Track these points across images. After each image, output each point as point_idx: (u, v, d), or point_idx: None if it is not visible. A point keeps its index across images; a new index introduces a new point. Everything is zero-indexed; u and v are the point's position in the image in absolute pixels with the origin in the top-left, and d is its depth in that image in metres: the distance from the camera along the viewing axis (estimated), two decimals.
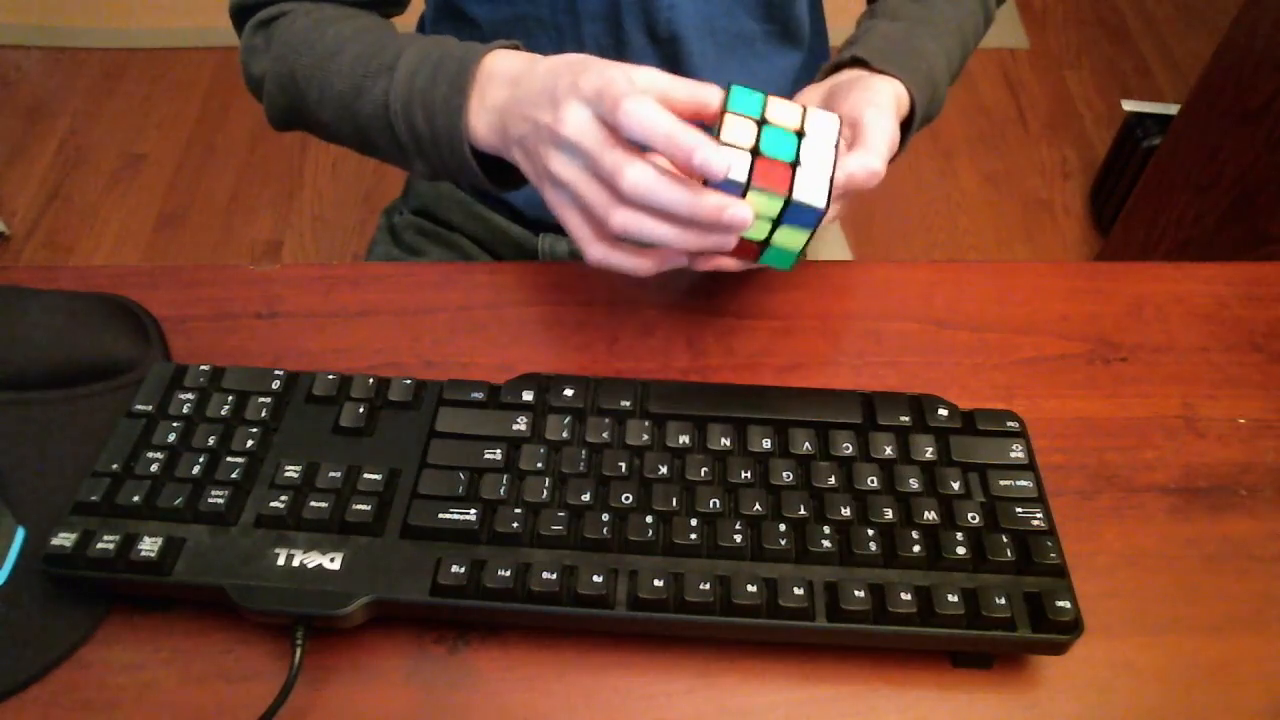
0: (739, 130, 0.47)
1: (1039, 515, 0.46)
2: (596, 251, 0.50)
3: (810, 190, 0.47)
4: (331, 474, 0.46)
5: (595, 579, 0.43)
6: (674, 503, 0.46)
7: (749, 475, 0.47)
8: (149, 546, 0.43)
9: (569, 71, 0.48)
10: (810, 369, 0.56)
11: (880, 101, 0.53)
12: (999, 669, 0.45)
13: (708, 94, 0.48)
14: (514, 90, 0.52)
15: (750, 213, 0.45)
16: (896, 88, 0.57)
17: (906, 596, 0.43)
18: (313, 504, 0.45)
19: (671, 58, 0.69)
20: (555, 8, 0.66)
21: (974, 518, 0.46)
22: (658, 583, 0.43)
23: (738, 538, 0.45)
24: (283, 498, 0.45)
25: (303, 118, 0.63)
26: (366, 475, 0.47)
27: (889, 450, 0.48)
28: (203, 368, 0.50)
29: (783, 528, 0.45)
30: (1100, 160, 1.75)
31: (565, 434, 0.48)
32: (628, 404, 0.50)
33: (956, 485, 0.47)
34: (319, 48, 0.59)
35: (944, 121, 1.83)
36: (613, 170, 0.46)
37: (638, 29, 0.67)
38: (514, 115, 0.51)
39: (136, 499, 0.45)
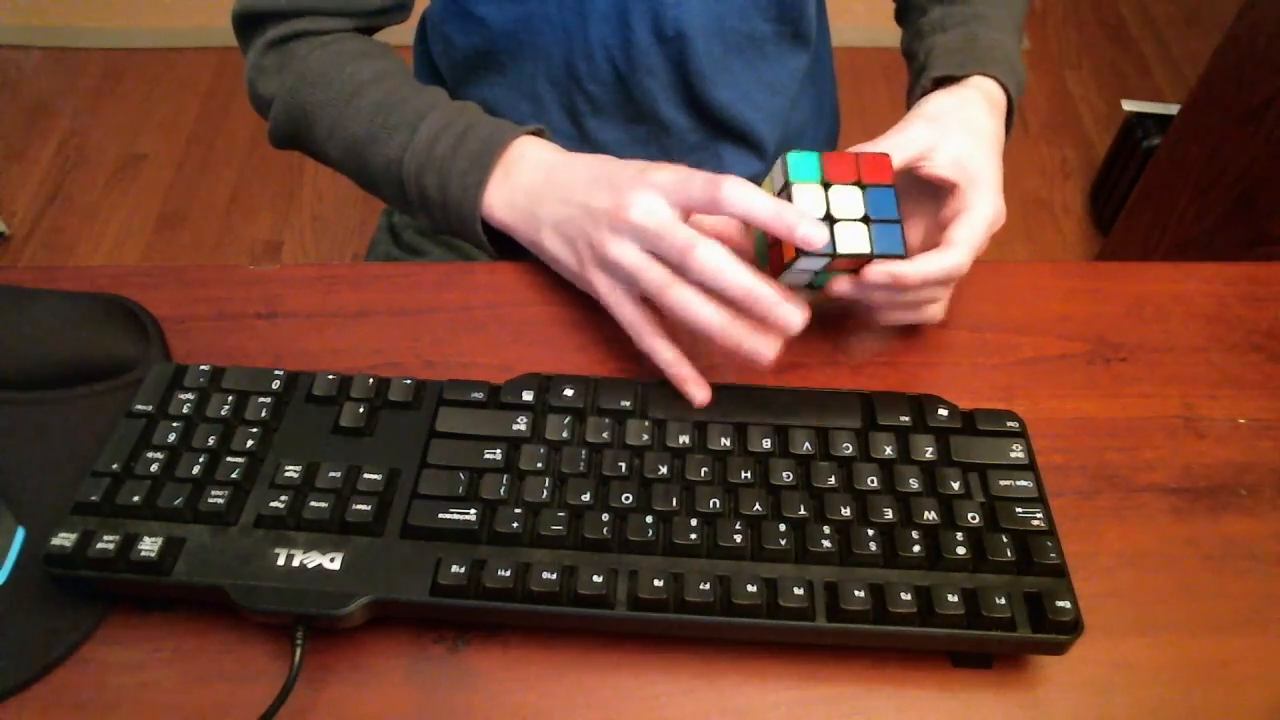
0: (809, 198, 0.48)
1: (1039, 515, 0.46)
2: (653, 342, 0.50)
3: (887, 240, 0.49)
4: (331, 474, 0.46)
5: (595, 579, 0.43)
6: (674, 503, 0.46)
7: (749, 475, 0.47)
8: (149, 546, 0.43)
9: (627, 166, 0.50)
10: (810, 369, 0.56)
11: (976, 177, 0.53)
12: (999, 669, 0.45)
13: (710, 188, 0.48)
14: (549, 176, 0.54)
15: (804, 317, 0.47)
16: (988, 86, 0.58)
17: (906, 596, 0.43)
18: (313, 504, 0.45)
19: (677, 56, 0.69)
20: (563, 6, 0.66)
21: (974, 518, 0.46)
22: (658, 583, 0.43)
23: (738, 538, 0.45)
24: (283, 498, 0.45)
25: (305, 146, 0.64)
26: (366, 475, 0.47)
27: (889, 450, 0.48)
28: (203, 368, 0.50)
29: (783, 528, 0.45)
30: (1100, 160, 1.75)
31: (565, 434, 0.48)
32: (628, 404, 0.50)
33: (956, 485, 0.47)
34: (336, 85, 0.59)
35: None
36: (685, 246, 0.47)
37: (645, 28, 0.67)
38: (550, 199, 0.53)
39: (136, 499, 0.45)
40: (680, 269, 0.47)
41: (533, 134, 0.57)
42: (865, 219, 0.48)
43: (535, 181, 0.55)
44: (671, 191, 0.48)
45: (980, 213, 0.52)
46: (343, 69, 0.60)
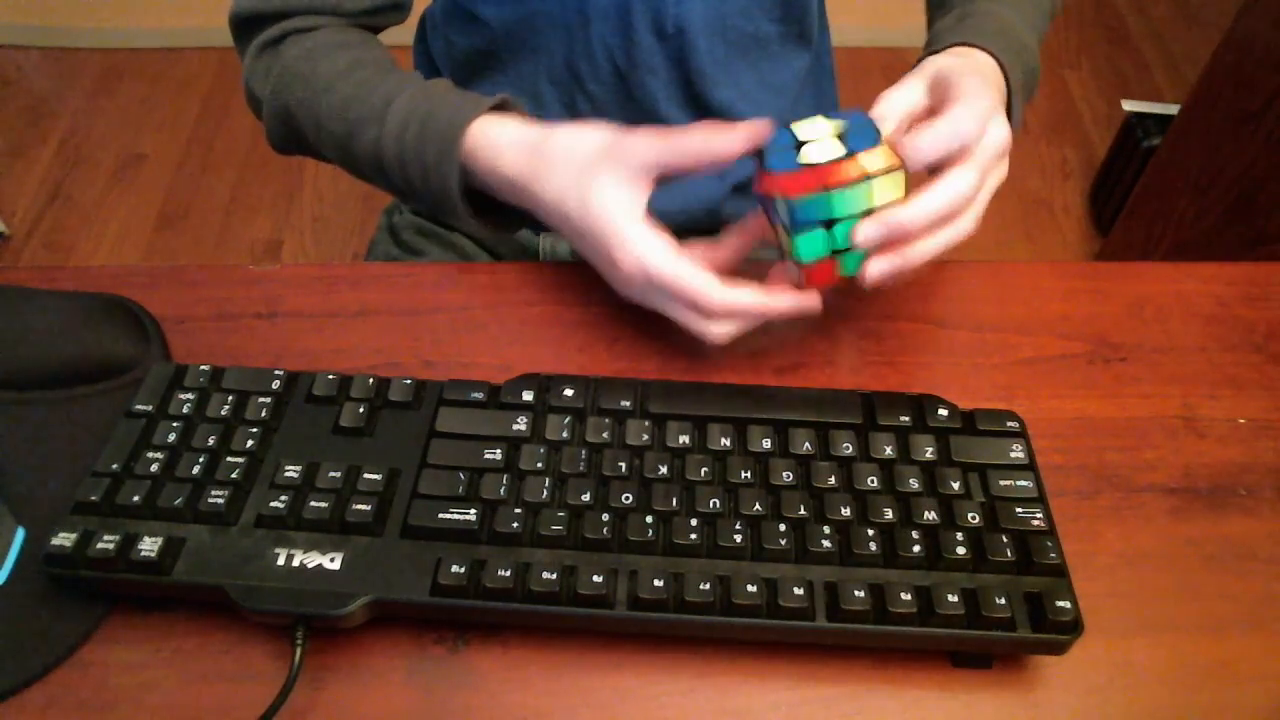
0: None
1: (1039, 515, 0.46)
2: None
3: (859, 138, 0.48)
4: (331, 474, 0.46)
5: (595, 579, 0.43)
6: (674, 503, 0.46)
7: (749, 475, 0.47)
8: (149, 546, 0.43)
9: (594, 244, 0.52)
10: (810, 369, 0.56)
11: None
12: (999, 669, 0.45)
13: (710, 145, 0.50)
14: (529, 204, 0.55)
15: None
16: (975, 54, 0.56)
17: (906, 596, 0.43)
18: (313, 504, 0.45)
19: (678, 55, 0.69)
20: (565, 6, 0.66)
21: (974, 518, 0.46)
22: (658, 583, 0.43)
23: (738, 538, 0.44)
24: (283, 498, 0.45)
25: (302, 148, 0.63)
26: (366, 475, 0.47)
27: (889, 450, 0.48)
28: (203, 368, 0.50)
29: (783, 528, 0.45)
30: (1100, 160, 1.75)
31: (565, 434, 0.48)
32: (628, 404, 0.50)
33: (956, 485, 0.47)
34: (311, 83, 0.59)
35: None
36: (698, 331, 0.51)
37: (646, 26, 0.67)
38: (548, 224, 0.55)
39: (136, 499, 0.45)
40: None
41: (495, 107, 0.56)
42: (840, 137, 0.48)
43: (513, 199, 0.55)
44: (656, 285, 0.51)
45: (961, 111, 0.48)
46: (316, 65, 0.59)
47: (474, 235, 0.61)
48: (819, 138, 0.48)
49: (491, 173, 0.55)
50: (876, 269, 0.48)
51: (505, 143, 0.54)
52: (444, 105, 0.56)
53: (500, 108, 0.57)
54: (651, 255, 0.50)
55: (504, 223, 0.59)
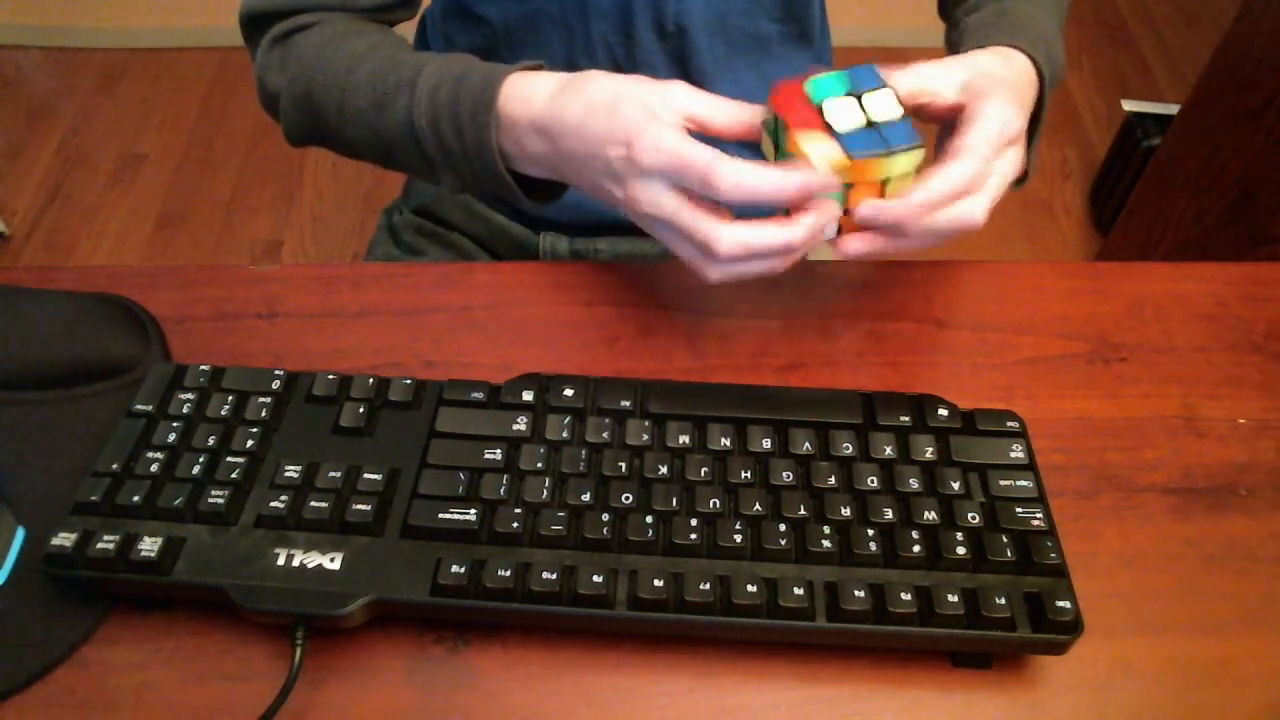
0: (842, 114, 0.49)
1: (1039, 515, 0.46)
2: (715, 274, 0.50)
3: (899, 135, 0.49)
4: (331, 474, 0.46)
5: (595, 579, 0.43)
6: (674, 503, 0.46)
7: (749, 475, 0.47)
8: (149, 546, 0.43)
9: (612, 139, 0.49)
10: (810, 369, 0.56)
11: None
12: (999, 669, 0.45)
13: (748, 114, 0.51)
14: (553, 145, 0.53)
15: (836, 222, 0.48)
16: (1013, 56, 0.56)
17: (906, 596, 0.43)
18: (313, 504, 0.45)
19: (679, 54, 0.69)
20: (565, 4, 0.66)
21: (974, 518, 0.46)
22: (658, 583, 0.43)
23: (738, 538, 0.45)
24: (283, 498, 0.45)
25: (322, 135, 0.63)
26: (366, 475, 0.47)
27: (889, 450, 0.48)
28: (203, 368, 0.50)
29: (783, 528, 0.45)
30: (1100, 160, 1.75)
31: (565, 434, 0.48)
32: (628, 404, 0.50)
33: (956, 485, 0.47)
34: (334, 64, 0.59)
35: None
36: (706, 241, 0.48)
37: (646, 23, 0.67)
38: (568, 171, 0.53)
39: (136, 499, 0.45)
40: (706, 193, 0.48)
41: (530, 68, 0.56)
42: (870, 124, 0.48)
43: (541, 150, 0.53)
44: (671, 178, 0.48)
45: (990, 120, 0.49)
46: (338, 48, 0.59)
47: (513, 201, 0.59)
48: (867, 109, 0.49)
49: (521, 121, 0.53)
50: (854, 245, 0.50)
51: (536, 89, 0.53)
52: (477, 66, 0.56)
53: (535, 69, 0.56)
54: (667, 136, 0.48)
55: (537, 187, 0.58)
